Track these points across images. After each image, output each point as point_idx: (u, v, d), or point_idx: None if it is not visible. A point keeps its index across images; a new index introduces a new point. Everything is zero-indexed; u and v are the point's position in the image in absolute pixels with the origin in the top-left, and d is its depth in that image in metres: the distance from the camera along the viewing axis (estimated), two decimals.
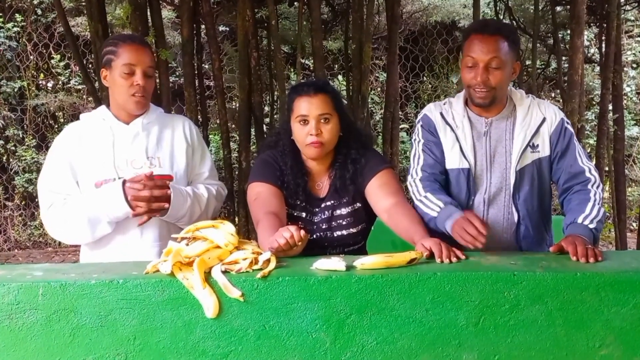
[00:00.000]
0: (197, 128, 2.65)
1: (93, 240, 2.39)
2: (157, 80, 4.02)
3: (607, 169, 5.48)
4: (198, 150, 2.57)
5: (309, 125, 2.31)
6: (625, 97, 8.40)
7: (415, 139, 2.48)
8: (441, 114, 2.42)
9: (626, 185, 6.43)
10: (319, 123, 2.31)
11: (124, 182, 2.30)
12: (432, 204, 2.28)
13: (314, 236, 2.37)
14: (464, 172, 2.37)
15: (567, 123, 2.39)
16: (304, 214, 2.42)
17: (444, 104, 2.47)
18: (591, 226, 2.16)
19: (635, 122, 8.67)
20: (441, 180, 2.39)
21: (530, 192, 2.37)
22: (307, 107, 2.31)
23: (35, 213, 8.28)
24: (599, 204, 2.23)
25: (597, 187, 2.29)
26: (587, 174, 2.32)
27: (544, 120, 2.36)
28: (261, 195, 2.32)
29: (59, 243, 8.11)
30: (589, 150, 7.30)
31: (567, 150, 2.36)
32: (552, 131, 2.35)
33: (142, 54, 2.38)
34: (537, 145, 2.35)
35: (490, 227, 2.34)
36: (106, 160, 2.38)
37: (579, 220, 2.18)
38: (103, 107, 2.50)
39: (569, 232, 2.17)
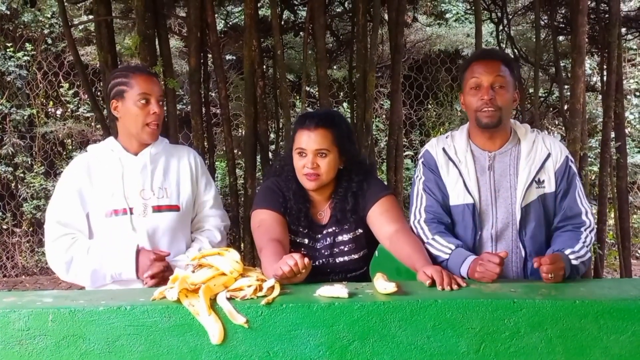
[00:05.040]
0: (201, 158, 2.69)
1: (91, 287, 2.40)
2: (165, 109, 4.08)
3: (610, 196, 5.49)
4: (202, 179, 2.60)
5: (306, 158, 2.36)
6: (629, 125, 8.43)
7: (417, 175, 2.49)
8: (443, 149, 2.42)
9: (630, 212, 6.44)
10: (316, 157, 2.35)
11: (137, 253, 2.34)
12: (442, 247, 2.29)
13: (317, 262, 2.40)
14: (469, 208, 2.36)
15: (571, 162, 2.39)
16: (306, 241, 2.46)
17: (447, 138, 2.47)
18: (574, 262, 2.17)
19: (639, 149, 8.66)
20: (446, 221, 2.38)
21: (537, 228, 2.36)
22: (306, 140, 2.35)
23: (43, 239, 8.29)
24: (587, 246, 2.25)
25: (591, 232, 2.31)
26: (583, 217, 2.33)
27: (548, 155, 2.35)
28: (264, 223, 2.36)
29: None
30: (592, 177, 7.33)
31: (568, 191, 2.36)
32: (557, 168, 2.35)
33: (154, 84, 2.44)
34: (543, 181, 2.34)
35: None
36: (116, 191, 2.41)
37: (566, 252, 2.18)
38: (111, 139, 2.53)
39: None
